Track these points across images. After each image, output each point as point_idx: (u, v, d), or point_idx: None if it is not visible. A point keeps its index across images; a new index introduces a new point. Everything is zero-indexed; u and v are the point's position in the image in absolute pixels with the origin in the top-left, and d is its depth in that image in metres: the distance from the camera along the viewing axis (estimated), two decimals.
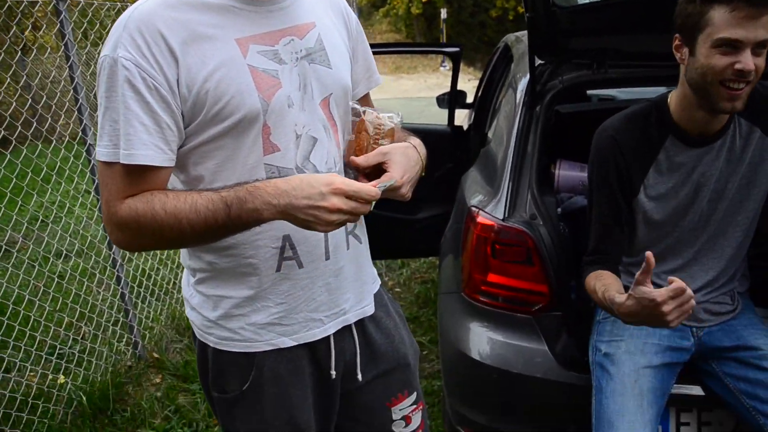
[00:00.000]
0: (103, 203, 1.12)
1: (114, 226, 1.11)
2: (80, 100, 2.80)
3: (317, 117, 1.23)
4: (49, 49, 6.05)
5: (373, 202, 1.10)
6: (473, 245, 1.95)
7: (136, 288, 3.55)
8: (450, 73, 3.37)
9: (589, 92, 3.33)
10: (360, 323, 1.38)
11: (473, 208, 2.02)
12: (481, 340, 1.94)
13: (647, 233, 1.74)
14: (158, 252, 4.03)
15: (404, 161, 1.22)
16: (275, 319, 1.26)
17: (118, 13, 3.09)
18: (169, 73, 1.07)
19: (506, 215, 1.90)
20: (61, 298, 3.26)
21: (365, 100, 1.45)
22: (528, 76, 2.14)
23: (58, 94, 4.51)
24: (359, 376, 1.38)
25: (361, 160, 1.22)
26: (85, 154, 3.01)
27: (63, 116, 3.80)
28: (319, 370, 1.34)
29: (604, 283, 1.57)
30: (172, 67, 1.07)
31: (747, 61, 1.42)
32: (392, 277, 4.22)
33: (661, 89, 1.89)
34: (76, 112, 2.85)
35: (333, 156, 1.26)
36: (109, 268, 3.32)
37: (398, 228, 3.12)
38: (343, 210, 1.04)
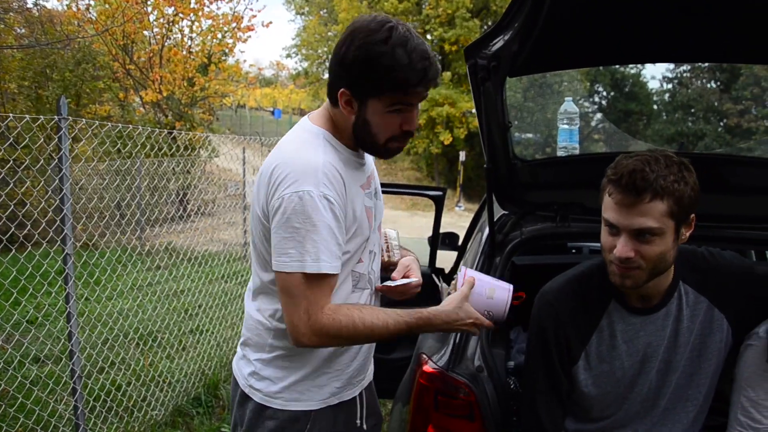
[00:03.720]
0: (299, 311, 1.45)
1: (312, 331, 1.45)
2: (65, 210, 2.86)
3: (377, 238, 1.73)
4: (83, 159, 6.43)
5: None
6: (416, 394, 1.87)
7: (93, 403, 3.43)
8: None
9: (571, 244, 3.31)
10: (368, 385, 1.84)
11: (422, 355, 1.95)
12: None
13: (595, 404, 1.65)
14: (134, 367, 3.98)
15: (417, 268, 1.81)
16: (331, 383, 1.66)
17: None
18: (343, 203, 1.50)
19: (451, 365, 1.83)
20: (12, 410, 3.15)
21: None
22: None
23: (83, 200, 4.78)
24: (364, 426, 1.78)
25: (396, 274, 1.76)
26: (60, 262, 3.02)
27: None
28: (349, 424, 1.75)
29: None
30: (343, 199, 1.50)
31: (621, 247, 1.45)
32: None
33: None
34: (58, 222, 2.90)
35: (379, 264, 1.78)
36: (66, 379, 3.23)
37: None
38: (476, 324, 1.57)
